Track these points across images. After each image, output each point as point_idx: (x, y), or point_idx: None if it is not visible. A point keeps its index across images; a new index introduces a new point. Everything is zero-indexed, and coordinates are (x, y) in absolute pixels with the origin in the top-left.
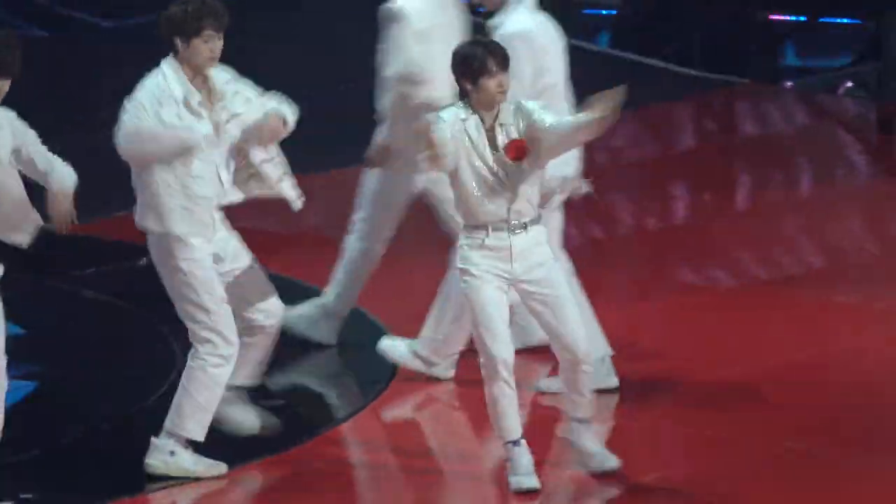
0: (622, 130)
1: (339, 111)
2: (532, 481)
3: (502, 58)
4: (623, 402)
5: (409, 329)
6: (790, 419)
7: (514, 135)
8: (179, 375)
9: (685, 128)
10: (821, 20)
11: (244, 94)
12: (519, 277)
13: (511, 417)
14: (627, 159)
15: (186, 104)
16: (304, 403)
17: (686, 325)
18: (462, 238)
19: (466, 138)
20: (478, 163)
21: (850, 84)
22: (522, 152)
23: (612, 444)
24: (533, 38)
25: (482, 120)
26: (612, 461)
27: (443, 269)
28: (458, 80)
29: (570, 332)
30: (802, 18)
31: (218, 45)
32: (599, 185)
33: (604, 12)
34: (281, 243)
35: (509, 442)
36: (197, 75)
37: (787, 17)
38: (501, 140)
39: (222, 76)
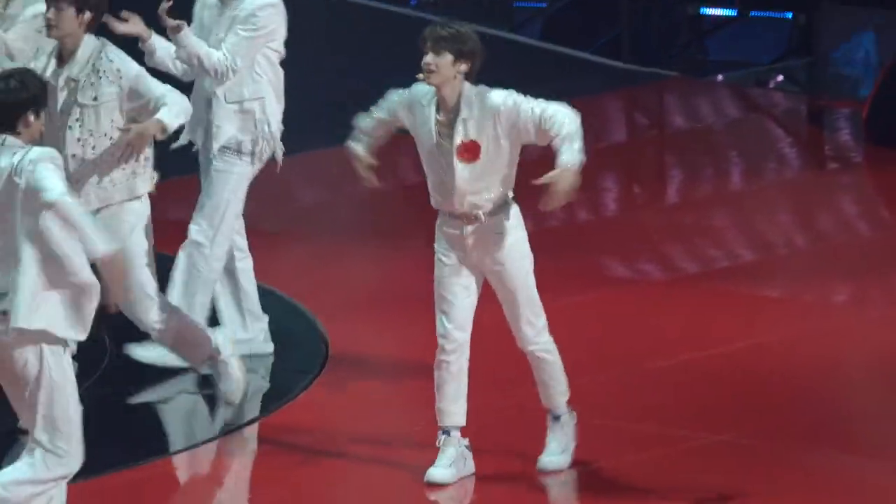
0: None
1: None
2: (442, 475)
3: (431, 39)
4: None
5: (342, 318)
6: (720, 411)
7: (471, 132)
8: (111, 361)
9: (615, 121)
10: (751, 14)
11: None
12: (475, 265)
13: (444, 402)
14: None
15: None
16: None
17: (615, 318)
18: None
19: (418, 124)
20: (425, 152)
21: (780, 78)
22: (474, 155)
23: (540, 436)
24: (281, 7)
25: (438, 109)
26: (561, 462)
27: (377, 263)
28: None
29: (518, 327)
30: (733, 12)
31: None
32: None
33: (535, 5)
34: None
35: (440, 428)
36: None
37: (718, 11)
38: (459, 137)
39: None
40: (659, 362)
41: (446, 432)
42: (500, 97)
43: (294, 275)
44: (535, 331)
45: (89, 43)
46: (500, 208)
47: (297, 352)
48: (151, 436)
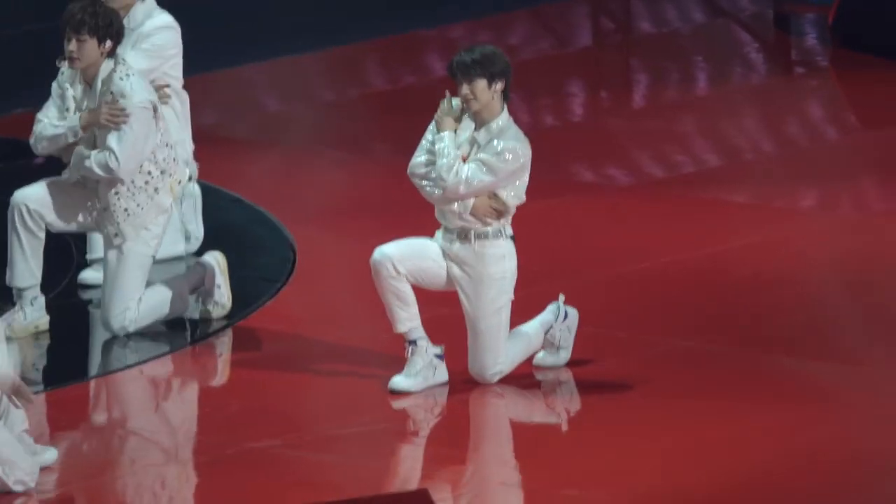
0: (517, 29)
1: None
2: (404, 383)
3: (461, 69)
4: (521, 301)
5: (309, 225)
6: (687, 316)
7: (472, 155)
8: (78, 270)
9: (580, 26)
10: None
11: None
12: (452, 279)
13: (389, 313)
14: (522, 58)
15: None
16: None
17: (583, 223)
18: None
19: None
20: None
21: None
22: None
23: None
24: (177, 30)
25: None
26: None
27: (343, 171)
28: None
29: (475, 355)
30: None
31: (69, 46)
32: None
33: None
34: None
35: (406, 339)
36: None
37: None
38: (463, 153)
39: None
40: (626, 268)
41: (413, 342)
42: (504, 144)
43: (261, 183)
44: (492, 362)
45: (105, 68)
46: (491, 236)
47: (265, 259)
48: (120, 345)
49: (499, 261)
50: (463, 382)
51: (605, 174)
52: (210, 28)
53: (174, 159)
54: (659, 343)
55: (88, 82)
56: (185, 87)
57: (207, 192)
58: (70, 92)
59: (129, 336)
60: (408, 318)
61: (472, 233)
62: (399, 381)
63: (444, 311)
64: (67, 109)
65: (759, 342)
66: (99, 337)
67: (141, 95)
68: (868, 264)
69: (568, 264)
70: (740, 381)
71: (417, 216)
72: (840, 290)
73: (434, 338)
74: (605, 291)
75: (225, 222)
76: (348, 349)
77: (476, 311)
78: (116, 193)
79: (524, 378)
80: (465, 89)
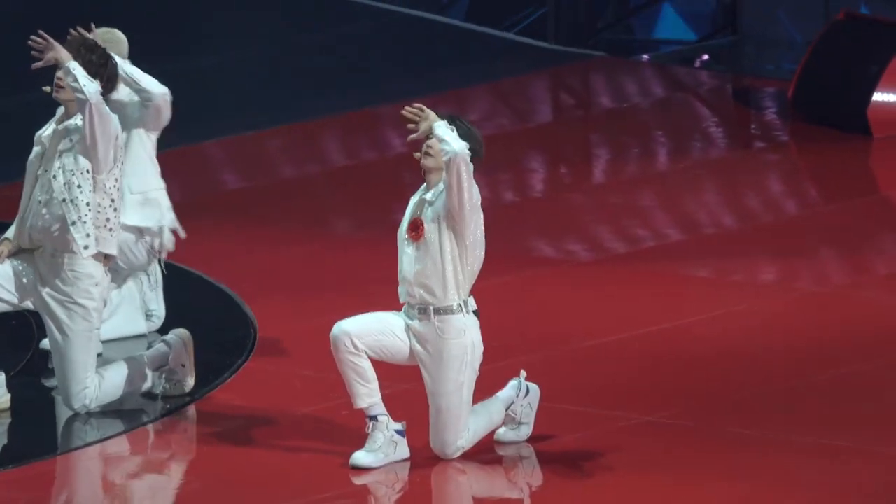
0: (477, 104)
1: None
2: (365, 459)
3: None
4: (482, 376)
5: (269, 302)
6: (648, 391)
7: (428, 215)
8: (38, 348)
9: (541, 101)
10: None
11: None
12: (415, 355)
13: (349, 390)
14: (482, 133)
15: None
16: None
17: (543, 298)
18: None
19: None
20: (401, 234)
21: (705, 57)
22: (416, 232)
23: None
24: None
25: (427, 186)
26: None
27: (303, 249)
28: None
29: (436, 431)
30: None
31: (58, 73)
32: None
33: None
34: None
35: (366, 414)
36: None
37: None
38: (414, 216)
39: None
40: (587, 343)
41: (373, 418)
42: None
43: (220, 259)
44: (453, 438)
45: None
46: (451, 311)
47: (225, 336)
48: (82, 422)
49: (458, 336)
50: (425, 458)
51: (566, 249)
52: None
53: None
54: (620, 418)
55: (61, 121)
56: None
57: (167, 270)
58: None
59: (90, 413)
60: (367, 394)
61: (432, 308)
62: (360, 457)
63: (405, 386)
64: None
65: (720, 416)
66: (61, 415)
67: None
68: (828, 337)
69: (529, 340)
70: (701, 456)
71: (379, 292)
72: (800, 363)
73: (395, 413)
74: (566, 367)
75: (185, 299)
76: (309, 425)
77: (437, 388)
78: (79, 187)
79: (486, 453)
80: (432, 141)
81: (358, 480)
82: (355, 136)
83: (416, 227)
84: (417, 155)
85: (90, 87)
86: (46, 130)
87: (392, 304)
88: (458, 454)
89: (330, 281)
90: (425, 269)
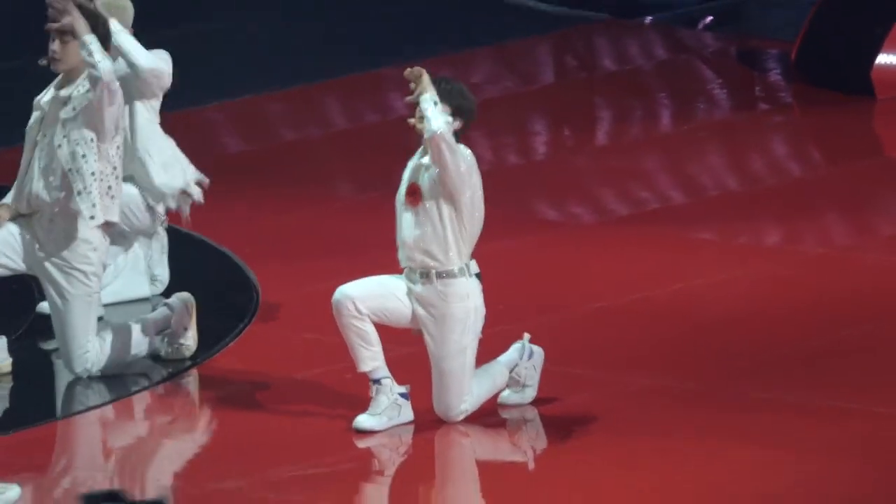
0: (480, 67)
1: None
2: (368, 422)
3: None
4: (486, 340)
5: (272, 265)
6: (653, 354)
7: (424, 180)
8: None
9: (543, 64)
10: None
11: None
12: (416, 318)
13: (352, 353)
14: (486, 96)
15: None
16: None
17: (547, 261)
18: None
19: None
20: (399, 197)
21: (709, 18)
22: (414, 197)
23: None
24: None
25: (423, 152)
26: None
27: (307, 211)
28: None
29: (437, 395)
30: None
31: (52, 46)
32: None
33: None
34: None
35: (370, 378)
36: None
37: None
38: (411, 181)
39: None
40: (591, 305)
41: (377, 381)
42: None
43: (223, 224)
44: (457, 401)
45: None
46: (453, 275)
47: (228, 300)
48: (84, 386)
49: (462, 300)
50: (428, 421)
51: (569, 212)
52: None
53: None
54: (624, 381)
55: (64, 85)
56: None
57: (171, 234)
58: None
59: (91, 377)
60: (370, 358)
61: (434, 272)
62: (363, 420)
63: (409, 349)
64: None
65: (727, 379)
66: (62, 379)
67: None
68: (834, 299)
69: (533, 303)
70: (708, 420)
71: (382, 256)
72: (806, 325)
73: (399, 377)
74: (571, 330)
75: (187, 263)
76: (312, 389)
77: (440, 352)
78: (84, 156)
79: (489, 416)
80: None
81: (361, 444)
82: (357, 98)
83: (413, 192)
84: (412, 121)
85: (104, 63)
86: (45, 96)
87: (395, 268)
88: (462, 417)
89: (332, 245)
90: (425, 233)
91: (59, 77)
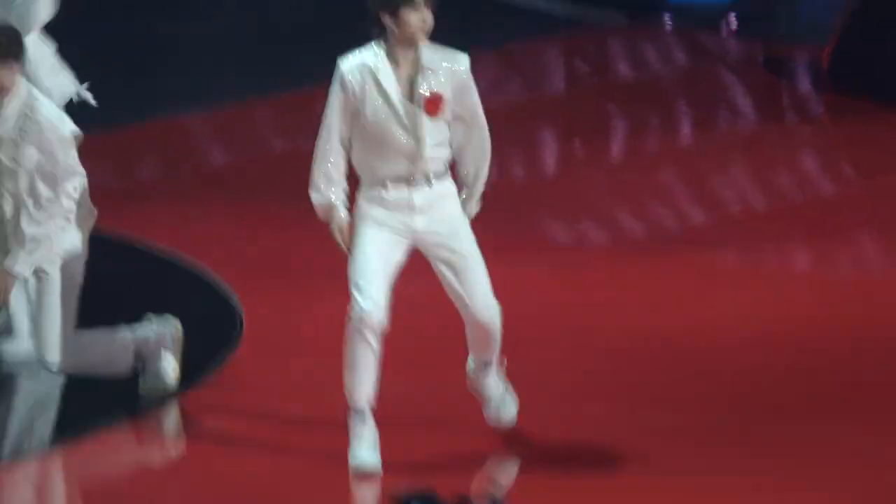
0: (482, 72)
1: None
2: (372, 461)
3: None
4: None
5: (257, 289)
6: (674, 387)
7: (436, 85)
8: None
9: (553, 69)
10: None
11: None
12: (420, 231)
13: (360, 383)
14: (490, 104)
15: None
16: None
17: (558, 287)
18: (359, 195)
19: (375, 89)
20: (383, 115)
21: (734, 22)
22: (439, 108)
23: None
24: None
25: (397, 62)
26: (508, 412)
27: (294, 230)
28: (375, 14)
29: (471, 295)
30: None
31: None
32: None
33: None
34: (123, 196)
35: (354, 411)
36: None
37: None
38: (424, 88)
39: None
40: (607, 335)
41: (360, 413)
42: (466, 62)
43: (205, 242)
44: (491, 293)
45: (21, 94)
46: (446, 172)
47: (210, 326)
48: (52, 416)
49: (455, 198)
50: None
51: (580, 232)
52: (146, 75)
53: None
54: (638, 418)
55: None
56: (123, 136)
57: (146, 255)
58: None
59: (62, 405)
60: (369, 390)
61: (432, 174)
62: (365, 459)
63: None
64: None
65: (751, 417)
66: (28, 411)
67: (67, 125)
68: (867, 326)
69: (539, 332)
70: (730, 461)
71: None
72: (841, 357)
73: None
74: (581, 361)
75: (165, 286)
76: (301, 423)
77: (464, 248)
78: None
79: (497, 448)
80: (429, 16)
81: (360, 484)
82: None
83: (437, 102)
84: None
85: None
86: None
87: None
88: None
89: (321, 266)
90: (439, 139)
91: None
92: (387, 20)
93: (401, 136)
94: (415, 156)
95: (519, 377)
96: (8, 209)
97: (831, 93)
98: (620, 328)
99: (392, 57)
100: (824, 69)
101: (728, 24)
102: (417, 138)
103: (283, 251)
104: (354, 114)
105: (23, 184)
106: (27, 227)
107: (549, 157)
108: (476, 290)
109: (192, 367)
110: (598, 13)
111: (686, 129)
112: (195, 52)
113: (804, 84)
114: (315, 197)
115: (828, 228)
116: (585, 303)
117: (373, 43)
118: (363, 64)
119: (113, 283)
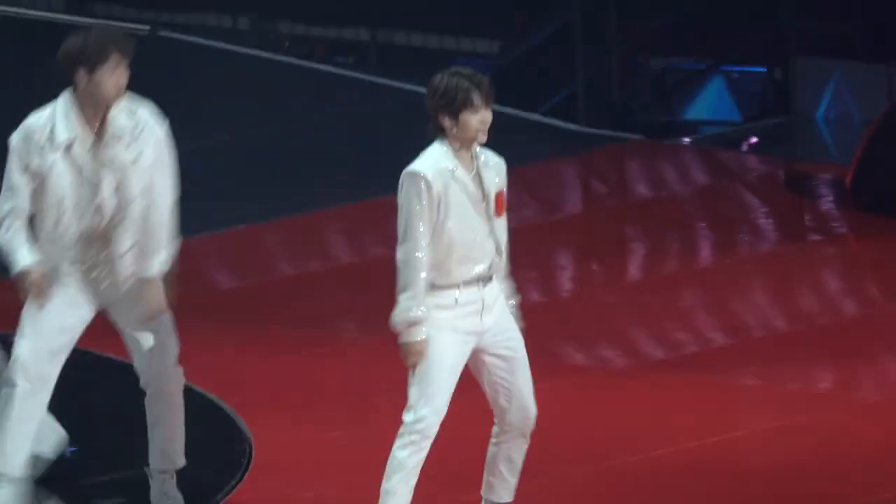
0: None
1: None
2: None
3: (487, 93)
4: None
5: (266, 416)
6: None
7: (496, 184)
8: None
9: (570, 189)
10: (722, 68)
11: None
12: (487, 329)
13: (410, 490)
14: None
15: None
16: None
17: (574, 410)
18: (429, 300)
19: (459, 191)
20: (469, 218)
21: (754, 139)
22: (504, 205)
23: None
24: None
25: (460, 163)
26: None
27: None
28: (434, 115)
29: (521, 388)
30: (700, 66)
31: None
32: None
33: (479, 61)
34: None
35: None
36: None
37: (683, 65)
38: (489, 187)
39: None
40: (625, 459)
41: None
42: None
43: (212, 367)
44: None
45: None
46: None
47: (217, 452)
48: None
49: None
50: None
51: (598, 356)
52: None
53: None
54: None
55: (98, 123)
56: None
57: None
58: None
59: None
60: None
61: (492, 272)
62: None
63: None
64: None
65: None
66: None
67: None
68: (893, 453)
69: (556, 456)
70: None
71: (386, 403)
72: (867, 482)
73: None
74: (602, 485)
75: None
76: None
77: (519, 337)
78: None
79: None
80: (490, 115)
81: None
82: (363, 229)
83: (502, 198)
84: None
85: None
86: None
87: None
88: None
89: (332, 391)
90: (503, 238)
91: None
92: (446, 122)
93: (483, 238)
94: (493, 255)
95: (536, 500)
96: (108, 211)
97: (855, 211)
98: (638, 451)
99: (456, 157)
100: (847, 187)
101: (748, 142)
102: (496, 239)
103: (291, 377)
104: (435, 219)
105: (142, 182)
106: (157, 228)
107: (566, 278)
108: (525, 383)
109: (201, 493)
110: (616, 136)
111: (706, 250)
112: (201, 172)
113: (826, 203)
114: (412, 313)
115: (852, 350)
116: (603, 425)
117: (436, 144)
118: (442, 167)
119: (117, 406)
